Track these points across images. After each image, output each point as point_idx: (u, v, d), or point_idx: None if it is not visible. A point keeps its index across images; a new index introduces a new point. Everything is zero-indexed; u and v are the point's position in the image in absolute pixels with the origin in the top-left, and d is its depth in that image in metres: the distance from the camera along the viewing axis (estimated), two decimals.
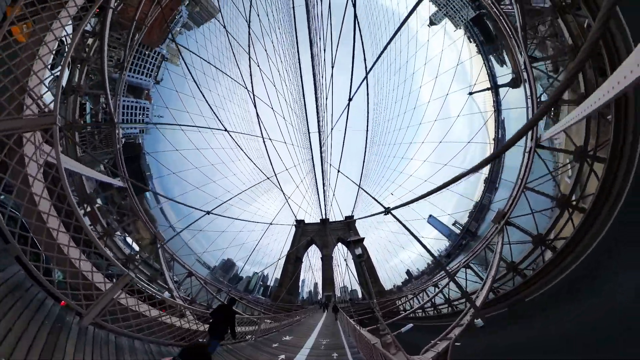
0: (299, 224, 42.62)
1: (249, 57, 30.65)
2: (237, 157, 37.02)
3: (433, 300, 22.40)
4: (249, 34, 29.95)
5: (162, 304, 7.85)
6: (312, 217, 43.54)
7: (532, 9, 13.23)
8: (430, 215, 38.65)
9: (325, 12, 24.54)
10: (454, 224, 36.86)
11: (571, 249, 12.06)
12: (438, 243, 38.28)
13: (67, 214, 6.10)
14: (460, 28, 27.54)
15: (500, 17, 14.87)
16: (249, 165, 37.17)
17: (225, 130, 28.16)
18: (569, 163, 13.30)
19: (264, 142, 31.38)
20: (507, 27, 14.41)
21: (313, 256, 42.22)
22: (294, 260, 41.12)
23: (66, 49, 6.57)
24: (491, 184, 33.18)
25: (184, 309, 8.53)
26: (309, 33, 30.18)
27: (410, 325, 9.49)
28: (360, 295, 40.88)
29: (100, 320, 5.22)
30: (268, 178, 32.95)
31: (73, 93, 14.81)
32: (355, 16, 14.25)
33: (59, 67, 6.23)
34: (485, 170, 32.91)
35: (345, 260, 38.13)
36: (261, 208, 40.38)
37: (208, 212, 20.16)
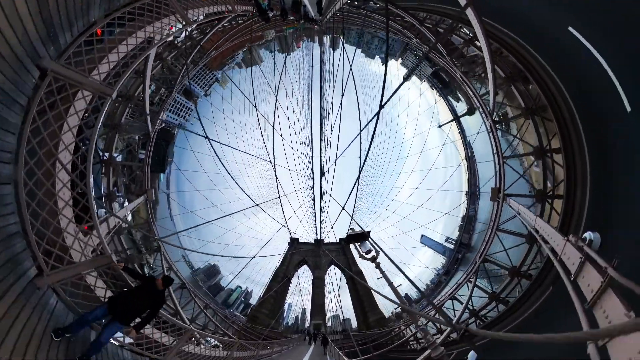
0: (293, 242, 41.96)
1: (277, 93, 42.25)
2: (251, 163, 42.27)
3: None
4: (279, 79, 42.81)
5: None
6: (307, 232, 43.24)
7: (455, 47, 19.48)
8: (422, 235, 39.23)
9: (332, 70, 37.46)
10: (446, 240, 37.14)
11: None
12: (434, 262, 36.93)
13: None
14: (424, 81, 40.30)
15: (446, 65, 19.77)
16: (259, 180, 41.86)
17: (256, 109, 34.91)
18: (523, 125, 15.26)
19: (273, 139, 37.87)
20: (451, 69, 18.93)
21: (303, 278, 38.98)
22: (281, 279, 38.04)
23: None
24: (472, 196, 36.87)
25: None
26: (320, 80, 43.47)
27: (474, 354, 7.34)
28: (354, 325, 35.11)
29: None
30: (269, 161, 36.49)
31: (161, 61, 19.60)
32: (351, 68, 22.74)
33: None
34: (465, 185, 37.87)
35: (347, 269, 35.82)
36: (259, 223, 41.39)
37: (206, 137, 19.67)
